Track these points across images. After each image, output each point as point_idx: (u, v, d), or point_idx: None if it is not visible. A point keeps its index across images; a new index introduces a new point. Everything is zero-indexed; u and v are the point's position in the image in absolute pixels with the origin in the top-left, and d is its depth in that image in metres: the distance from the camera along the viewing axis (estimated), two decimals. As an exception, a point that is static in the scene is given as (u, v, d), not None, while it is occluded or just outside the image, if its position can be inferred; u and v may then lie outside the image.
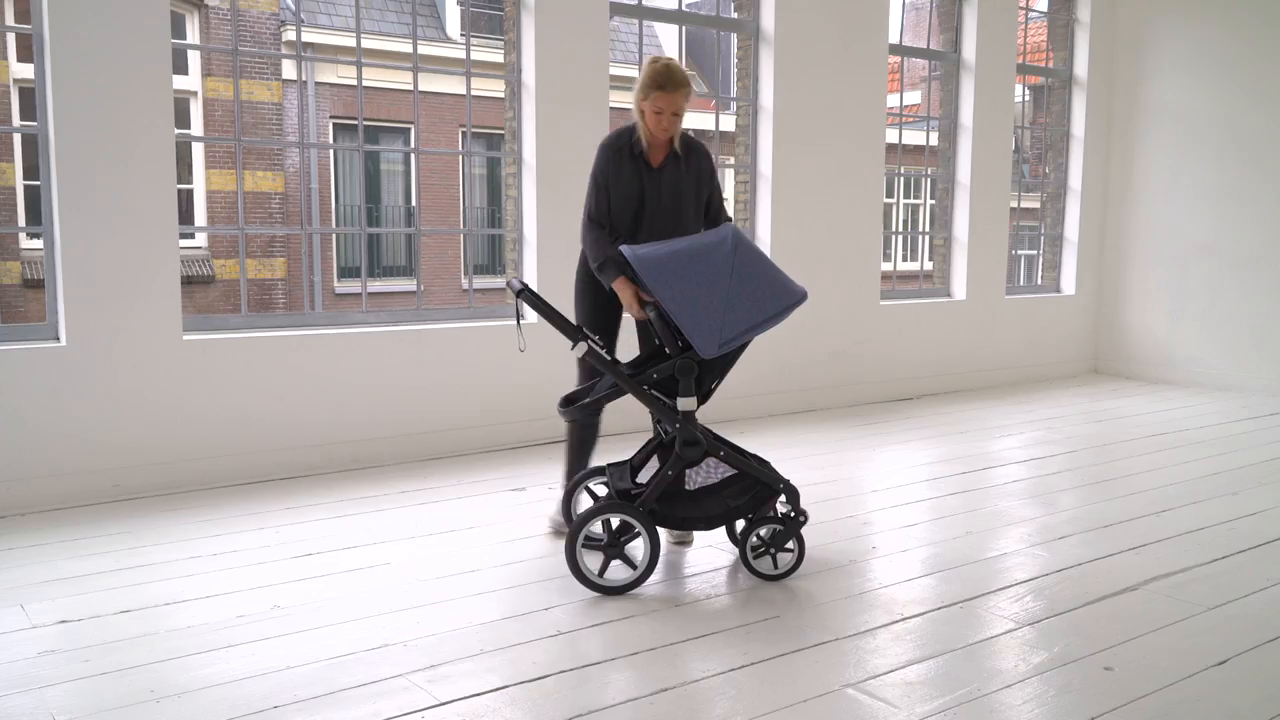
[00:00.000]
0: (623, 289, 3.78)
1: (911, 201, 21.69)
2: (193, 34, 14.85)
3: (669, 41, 19.20)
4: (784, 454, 5.58)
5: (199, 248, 15.15)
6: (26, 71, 12.30)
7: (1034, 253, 11.38)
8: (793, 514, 3.68)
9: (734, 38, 7.03)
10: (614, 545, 3.55)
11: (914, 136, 13.73)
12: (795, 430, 6.20)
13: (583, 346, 3.55)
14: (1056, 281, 8.75)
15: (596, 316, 4.01)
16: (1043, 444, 5.99)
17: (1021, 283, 12.34)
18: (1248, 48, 7.76)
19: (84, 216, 4.51)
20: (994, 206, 7.99)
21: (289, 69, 15.37)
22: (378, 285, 16.19)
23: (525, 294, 3.59)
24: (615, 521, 3.53)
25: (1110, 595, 3.56)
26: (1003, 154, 8.01)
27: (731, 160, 7.11)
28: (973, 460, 5.59)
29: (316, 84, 15.52)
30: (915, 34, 15.95)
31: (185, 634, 3.12)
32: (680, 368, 3.55)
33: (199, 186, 15.05)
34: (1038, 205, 9.11)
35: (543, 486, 4.89)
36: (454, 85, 16.10)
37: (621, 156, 3.88)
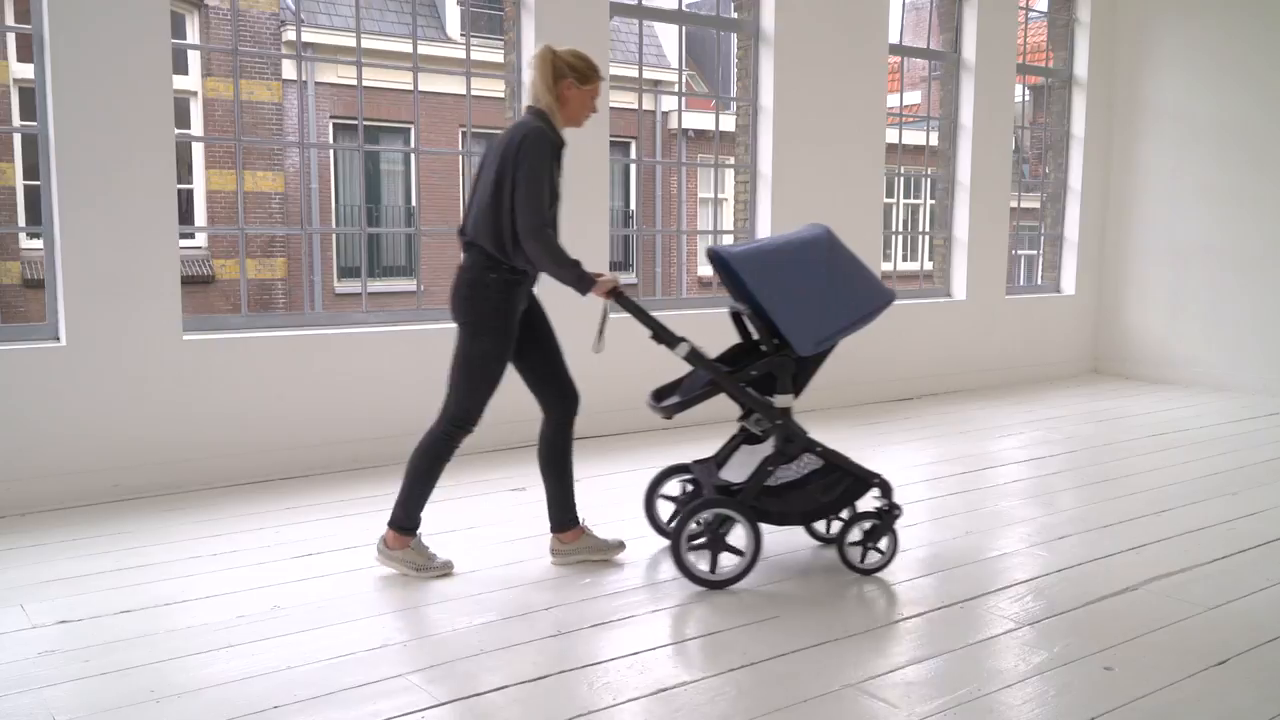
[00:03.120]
0: (607, 288, 3.58)
1: (911, 201, 21.69)
2: (193, 34, 14.85)
3: (669, 41, 19.20)
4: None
5: (199, 248, 15.15)
6: (26, 71, 12.30)
7: (1034, 253, 11.38)
8: (888, 508, 3.73)
9: (734, 38, 7.03)
10: (717, 539, 3.58)
11: (914, 136, 13.72)
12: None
13: (685, 347, 3.56)
14: (1056, 281, 8.75)
15: (507, 346, 3.63)
16: (1043, 444, 5.99)
17: (1021, 283, 12.33)
18: (1247, 47, 7.75)
19: (84, 216, 4.51)
20: (994, 206, 7.99)
21: (289, 69, 15.37)
22: (378, 285, 16.19)
23: (619, 295, 3.59)
24: (708, 516, 3.56)
25: (1110, 595, 3.56)
26: (1003, 154, 8.01)
27: (731, 160, 7.11)
28: (973, 460, 5.59)
29: (316, 84, 15.52)
30: (915, 34, 15.95)
31: (185, 634, 3.12)
32: (778, 365, 3.60)
33: (199, 186, 15.04)
34: (1038, 205, 9.11)
35: (542, 487, 4.87)
36: (454, 85, 16.10)
37: (555, 150, 3.57)
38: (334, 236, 16.27)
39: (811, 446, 3.67)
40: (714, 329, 6.59)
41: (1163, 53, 8.26)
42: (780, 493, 3.68)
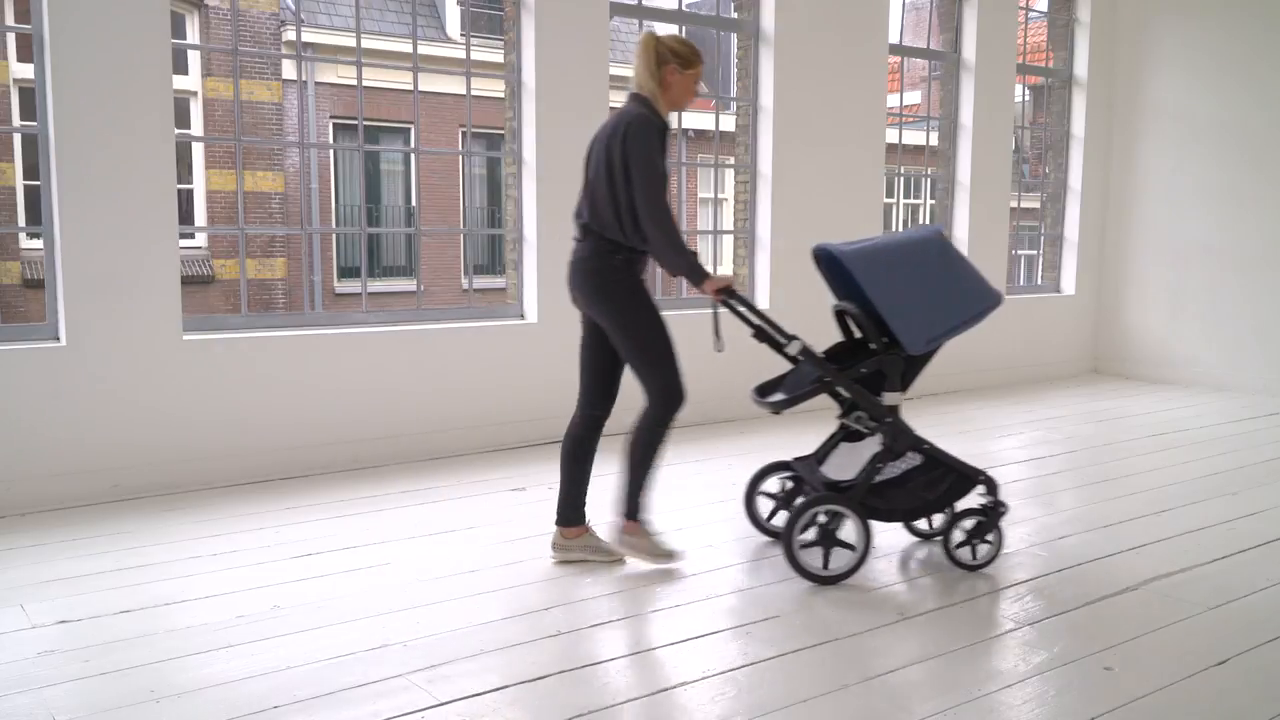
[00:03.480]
0: (720, 285, 3.60)
1: (911, 201, 21.68)
2: (193, 34, 14.85)
3: (669, 41, 19.17)
4: (785, 454, 5.57)
5: (199, 248, 15.14)
6: (26, 71, 12.31)
7: (1034, 253, 11.38)
8: (993, 505, 3.76)
9: (734, 38, 7.03)
10: (829, 536, 3.62)
11: (914, 136, 13.73)
12: (795, 430, 6.19)
13: (797, 345, 3.61)
14: (1056, 281, 8.75)
15: (656, 308, 3.68)
16: (1043, 444, 5.99)
17: (1021, 283, 12.33)
18: (1247, 47, 7.75)
19: (84, 216, 4.51)
20: (994, 206, 7.99)
21: (289, 69, 15.37)
22: (378, 285, 16.18)
23: (731, 294, 3.62)
24: (821, 513, 3.60)
25: (1110, 595, 3.56)
26: (1003, 154, 8.01)
27: (731, 160, 7.11)
28: (972, 460, 5.56)
29: (316, 84, 15.51)
30: (915, 34, 15.95)
31: (185, 634, 3.12)
32: (888, 364, 3.63)
33: (199, 186, 15.04)
34: (1038, 205, 9.11)
35: (543, 486, 4.89)
36: (454, 85, 16.09)
37: (660, 135, 3.64)
38: (334, 236, 16.27)
39: (919, 444, 3.71)
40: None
41: (1163, 53, 8.26)
42: (882, 490, 3.73)
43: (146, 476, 4.69)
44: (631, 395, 3.79)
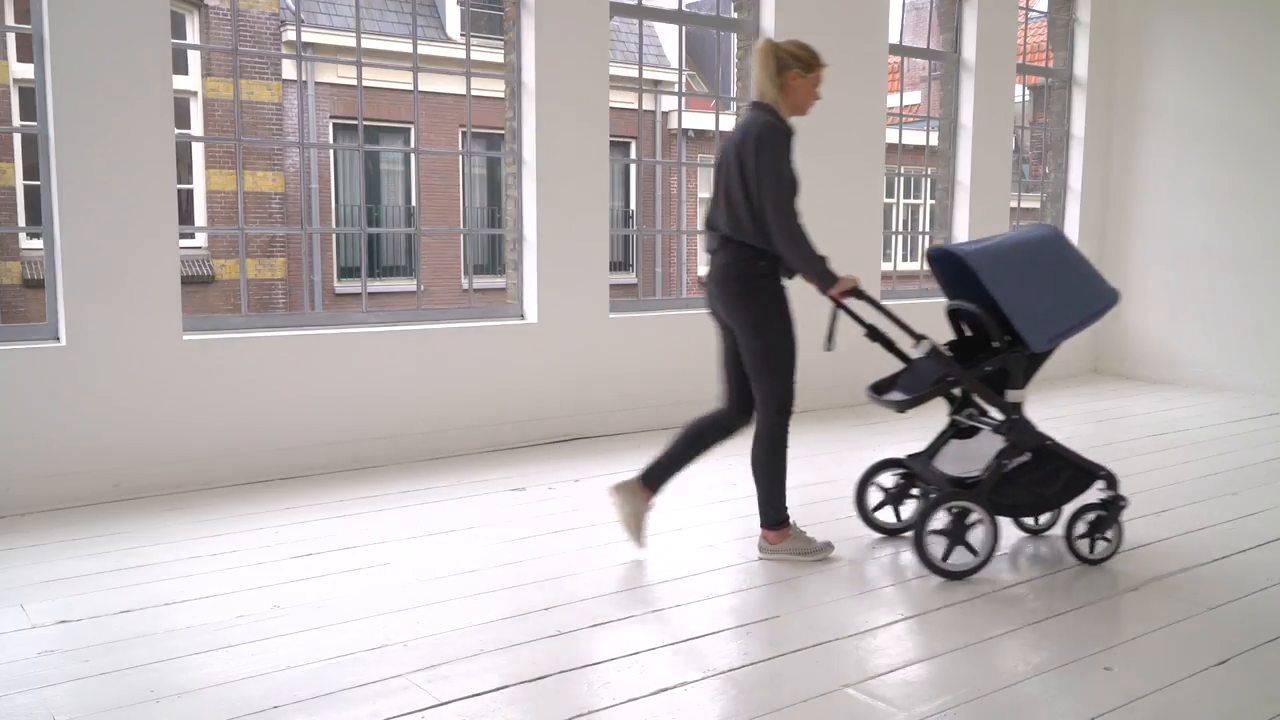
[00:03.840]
0: (847, 288, 3.65)
1: (911, 201, 21.68)
2: (193, 34, 14.85)
3: (669, 41, 19.20)
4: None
5: (199, 248, 15.15)
6: (26, 71, 12.31)
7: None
8: (1113, 499, 3.82)
9: (734, 38, 7.03)
10: (958, 532, 3.67)
11: (914, 136, 13.72)
12: (795, 430, 6.18)
13: (926, 344, 3.65)
14: (1056, 281, 8.73)
15: (792, 321, 3.75)
16: (1043, 444, 5.99)
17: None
18: (1247, 47, 7.75)
19: (84, 216, 4.51)
20: (994, 206, 7.99)
21: (289, 69, 15.37)
22: (378, 285, 16.19)
23: (860, 295, 3.67)
24: (951, 509, 3.66)
25: (1110, 595, 3.56)
26: (1003, 154, 8.01)
27: (731, 160, 7.10)
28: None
29: (316, 84, 15.52)
30: (915, 34, 15.95)
31: (185, 634, 3.12)
32: (1011, 362, 3.69)
33: (199, 186, 15.04)
34: (1038, 205, 9.11)
35: (542, 486, 4.89)
36: (454, 85, 16.10)
37: (788, 141, 3.70)
38: (334, 236, 16.27)
39: (1042, 440, 3.76)
40: (712, 329, 6.59)
41: (1163, 53, 8.26)
42: (1001, 486, 3.77)
43: (146, 476, 4.69)
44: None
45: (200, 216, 14.87)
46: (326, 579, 3.62)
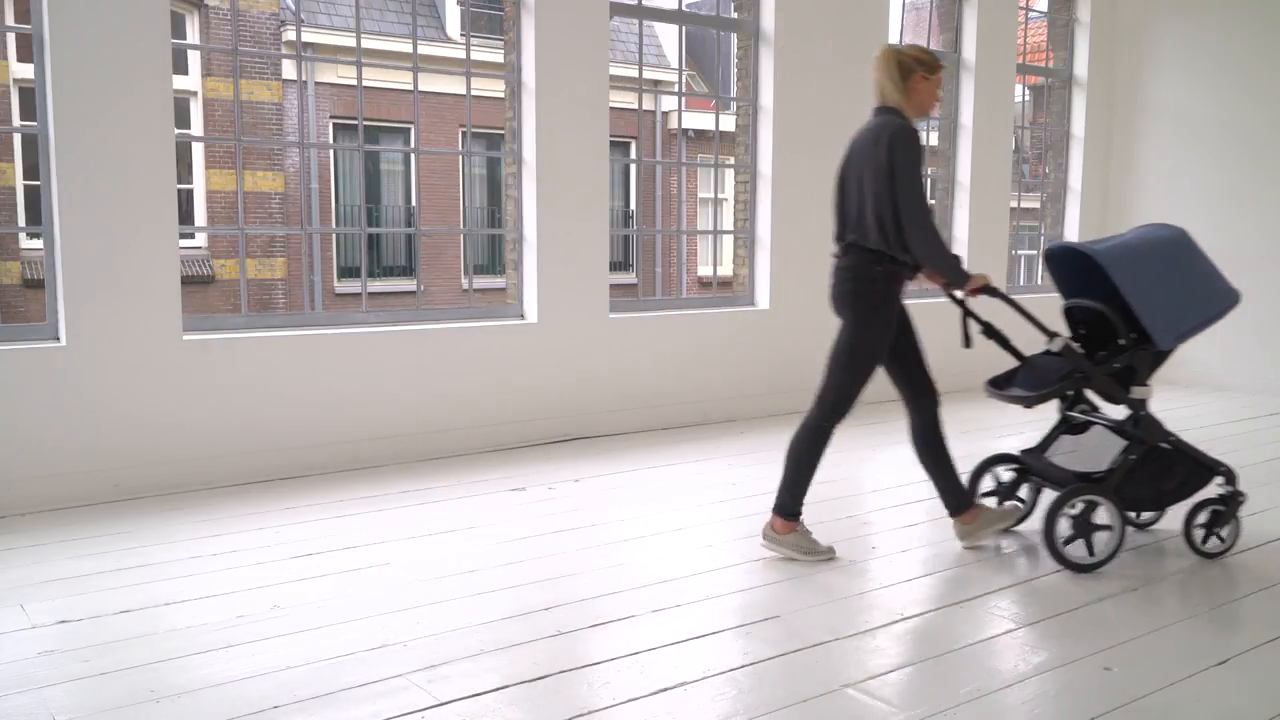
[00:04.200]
0: (979, 286, 3.75)
1: (911, 201, 21.63)
2: (193, 34, 14.85)
3: (669, 41, 19.20)
4: (784, 454, 5.57)
5: (199, 248, 15.15)
6: (26, 71, 12.30)
7: (1034, 253, 11.38)
8: (1231, 494, 3.90)
9: (734, 38, 7.03)
10: (1087, 525, 3.75)
11: (914, 136, 13.69)
12: (794, 430, 6.19)
13: (1060, 341, 3.76)
14: (1056, 281, 8.74)
15: (889, 335, 3.83)
16: (1043, 444, 5.98)
17: (1021, 283, 12.32)
18: (1247, 47, 7.75)
19: (84, 216, 4.51)
20: (994, 206, 7.99)
21: (289, 69, 15.37)
22: (378, 285, 16.19)
23: (992, 292, 3.76)
24: (1079, 502, 3.74)
25: (1110, 595, 3.56)
26: (1003, 154, 8.01)
27: (731, 160, 7.11)
28: (973, 460, 5.54)
29: (316, 84, 15.52)
30: (915, 34, 15.93)
31: (185, 634, 3.12)
32: (1139, 359, 3.79)
33: (199, 186, 15.04)
34: (1038, 205, 9.11)
35: (542, 486, 4.89)
36: (454, 85, 16.10)
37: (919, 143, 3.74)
38: (334, 236, 16.27)
39: (1167, 436, 3.85)
40: (712, 329, 6.61)
41: (1163, 53, 8.26)
42: (1122, 481, 3.86)
43: (146, 476, 4.69)
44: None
45: (200, 216, 14.88)
46: (326, 579, 3.62)
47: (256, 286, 15.36)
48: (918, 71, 3.80)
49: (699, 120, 18.81)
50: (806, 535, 3.88)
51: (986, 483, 4.31)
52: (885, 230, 3.66)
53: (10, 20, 13.36)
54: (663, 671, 2.91)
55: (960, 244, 7.83)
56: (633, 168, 18.94)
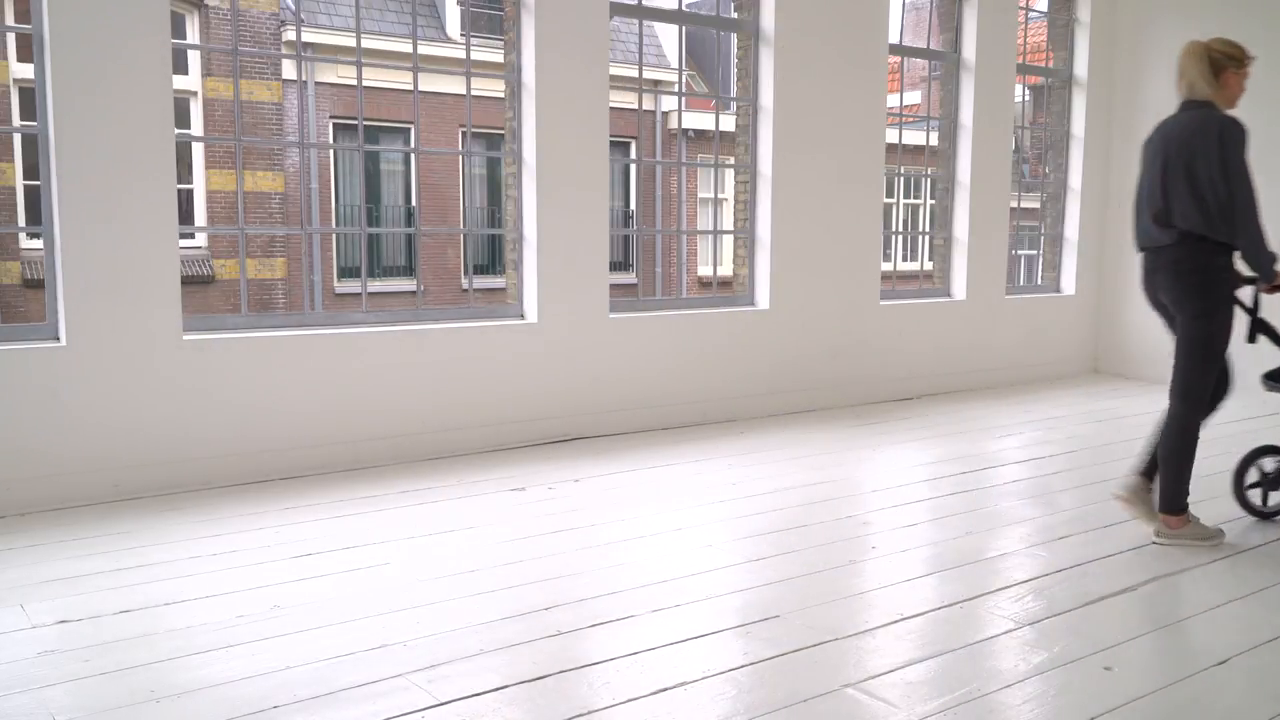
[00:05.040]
0: None
1: (911, 201, 21.69)
2: (193, 34, 14.85)
3: (669, 41, 19.20)
4: (784, 454, 5.58)
5: (199, 248, 15.15)
6: (26, 71, 12.31)
7: (1034, 253, 11.38)
8: None
9: (734, 38, 7.03)
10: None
11: (914, 136, 13.72)
12: (795, 430, 6.20)
13: None
14: (1056, 281, 8.75)
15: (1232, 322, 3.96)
16: (1043, 444, 5.99)
17: (1021, 283, 12.33)
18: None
19: (84, 216, 4.51)
20: (994, 206, 7.98)
21: (289, 69, 15.37)
22: (378, 285, 16.19)
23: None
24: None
25: (1110, 595, 3.56)
26: (1003, 154, 8.01)
27: (731, 160, 7.11)
28: (973, 460, 5.58)
29: (316, 84, 15.52)
30: (915, 34, 15.95)
31: (185, 634, 3.12)
32: None
33: (199, 186, 15.05)
34: (1038, 205, 9.10)
35: (542, 486, 4.89)
36: (454, 85, 16.10)
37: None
38: (334, 236, 16.27)
39: None
40: (712, 329, 6.61)
41: (1163, 53, 8.25)
42: None
43: (146, 476, 4.69)
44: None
45: (200, 216, 14.88)
46: (326, 579, 3.62)
47: (256, 286, 15.37)
48: (1229, 67, 3.99)
49: (699, 120, 18.81)
50: (1198, 523, 4.05)
51: (1251, 475, 4.44)
52: (1214, 221, 3.78)
53: (10, 20, 13.36)
54: (663, 671, 2.91)
55: (960, 244, 7.84)
56: (633, 168, 18.95)
